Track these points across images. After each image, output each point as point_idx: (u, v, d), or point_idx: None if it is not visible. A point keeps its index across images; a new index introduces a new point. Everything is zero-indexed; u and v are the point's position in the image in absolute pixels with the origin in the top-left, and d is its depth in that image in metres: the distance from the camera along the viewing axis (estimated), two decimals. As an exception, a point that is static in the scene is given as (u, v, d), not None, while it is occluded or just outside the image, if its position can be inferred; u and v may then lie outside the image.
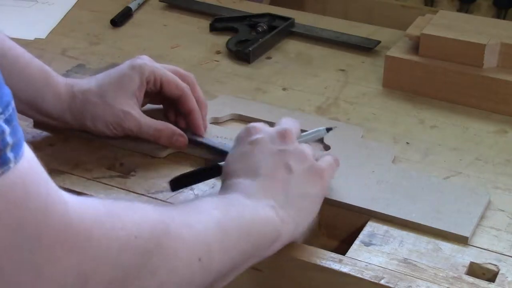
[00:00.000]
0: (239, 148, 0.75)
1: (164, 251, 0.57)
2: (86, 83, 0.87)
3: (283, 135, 0.74)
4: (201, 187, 0.81)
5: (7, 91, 0.49)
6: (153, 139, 0.85)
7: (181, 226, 0.60)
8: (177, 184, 0.79)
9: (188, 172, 0.80)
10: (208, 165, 0.82)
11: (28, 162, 0.50)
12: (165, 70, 0.87)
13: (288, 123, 0.78)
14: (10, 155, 0.48)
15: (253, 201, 0.69)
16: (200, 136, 0.88)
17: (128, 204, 0.59)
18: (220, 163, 0.77)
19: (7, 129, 0.48)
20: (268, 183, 0.71)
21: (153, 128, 0.85)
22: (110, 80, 0.86)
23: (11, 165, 0.48)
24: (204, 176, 0.80)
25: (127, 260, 0.54)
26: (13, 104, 0.49)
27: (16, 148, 0.49)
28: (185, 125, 0.88)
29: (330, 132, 0.82)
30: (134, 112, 0.84)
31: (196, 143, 0.87)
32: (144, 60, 0.87)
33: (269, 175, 0.71)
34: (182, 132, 0.86)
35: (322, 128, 0.82)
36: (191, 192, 0.80)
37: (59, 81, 0.86)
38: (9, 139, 0.48)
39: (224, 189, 0.72)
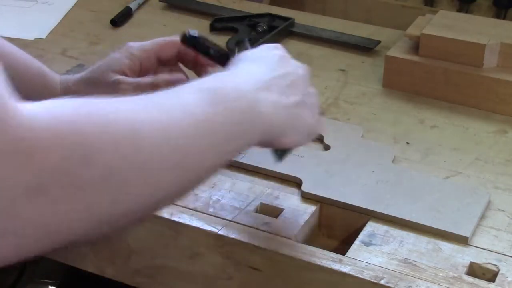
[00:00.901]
0: (278, 64, 0.71)
1: (85, 153, 0.52)
2: (79, 75, 0.87)
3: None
4: (201, 187, 0.81)
5: None
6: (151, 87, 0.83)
7: (130, 131, 0.54)
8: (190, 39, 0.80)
9: (205, 40, 0.80)
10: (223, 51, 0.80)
11: None
12: (153, 41, 0.87)
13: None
14: None
15: (256, 88, 0.65)
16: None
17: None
18: (229, 54, 0.76)
19: None
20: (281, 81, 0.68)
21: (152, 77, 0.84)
22: (99, 66, 0.86)
23: None
24: (211, 55, 0.79)
25: (48, 165, 0.49)
26: None
27: None
28: None
29: (331, 132, 0.82)
30: (123, 78, 0.83)
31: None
32: (130, 43, 0.87)
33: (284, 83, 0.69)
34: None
35: None
36: (191, 192, 0.80)
37: (55, 81, 0.87)
38: None
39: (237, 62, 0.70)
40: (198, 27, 1.20)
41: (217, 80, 0.66)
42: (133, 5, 1.25)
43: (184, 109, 0.59)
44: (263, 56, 0.72)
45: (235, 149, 0.63)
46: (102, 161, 0.52)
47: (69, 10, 1.25)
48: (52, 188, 0.49)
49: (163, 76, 0.84)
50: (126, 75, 0.84)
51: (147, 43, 0.87)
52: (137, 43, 0.87)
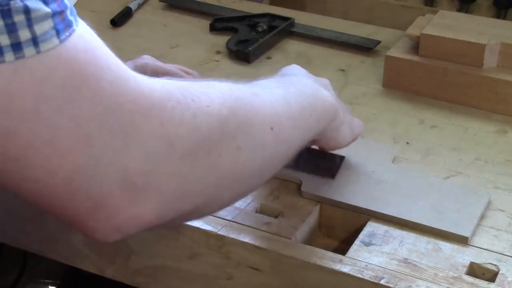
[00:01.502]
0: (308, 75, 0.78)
1: (238, 116, 0.59)
2: None
3: None
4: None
5: None
6: None
7: (250, 95, 0.62)
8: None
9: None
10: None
11: (87, 30, 0.51)
12: (168, 68, 0.87)
13: None
14: (71, 18, 0.49)
15: (311, 81, 0.74)
16: None
17: (193, 81, 0.61)
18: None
19: None
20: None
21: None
22: None
23: (75, 27, 0.49)
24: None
25: (204, 126, 0.55)
26: None
27: (74, 14, 0.49)
28: None
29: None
30: None
31: None
32: (145, 59, 0.87)
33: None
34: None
35: None
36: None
37: None
38: (67, 2, 0.49)
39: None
40: (198, 27, 1.21)
41: (278, 75, 0.75)
42: (133, 5, 1.25)
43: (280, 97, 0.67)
44: (294, 71, 0.77)
45: (310, 129, 0.70)
46: (240, 138, 0.59)
47: (69, 10, 1.25)
48: (189, 145, 0.54)
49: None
50: None
51: (162, 68, 0.87)
52: (154, 63, 0.87)
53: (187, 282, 0.79)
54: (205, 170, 0.56)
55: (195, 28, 1.21)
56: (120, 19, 1.21)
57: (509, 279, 0.70)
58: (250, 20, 1.19)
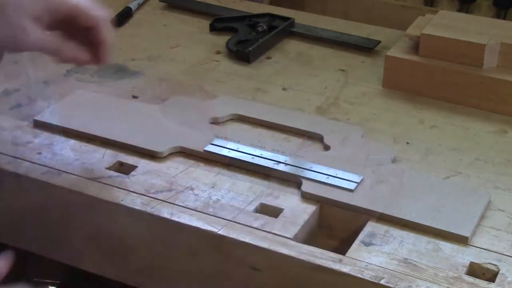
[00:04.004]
0: None
1: None
2: None
3: None
4: (201, 187, 0.81)
5: None
6: (54, 52, 0.79)
7: None
8: None
9: None
10: None
11: None
12: (78, 1, 0.81)
13: None
14: None
15: None
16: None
17: None
18: None
19: None
20: None
21: (52, 41, 0.78)
22: None
23: None
24: None
25: None
26: None
27: None
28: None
29: (331, 132, 0.82)
30: (29, 29, 0.76)
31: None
32: None
33: None
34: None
35: None
36: (190, 192, 0.80)
37: None
38: None
39: None
40: (198, 27, 1.21)
41: None
42: (133, 5, 1.25)
43: None
44: None
45: None
46: None
47: (69, 10, 1.25)
48: None
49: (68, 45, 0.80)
50: (38, 21, 0.77)
51: (70, 1, 0.80)
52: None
53: (187, 282, 0.79)
54: None
55: (195, 28, 1.21)
56: (120, 19, 1.21)
57: (509, 279, 0.70)
58: (250, 20, 1.19)
